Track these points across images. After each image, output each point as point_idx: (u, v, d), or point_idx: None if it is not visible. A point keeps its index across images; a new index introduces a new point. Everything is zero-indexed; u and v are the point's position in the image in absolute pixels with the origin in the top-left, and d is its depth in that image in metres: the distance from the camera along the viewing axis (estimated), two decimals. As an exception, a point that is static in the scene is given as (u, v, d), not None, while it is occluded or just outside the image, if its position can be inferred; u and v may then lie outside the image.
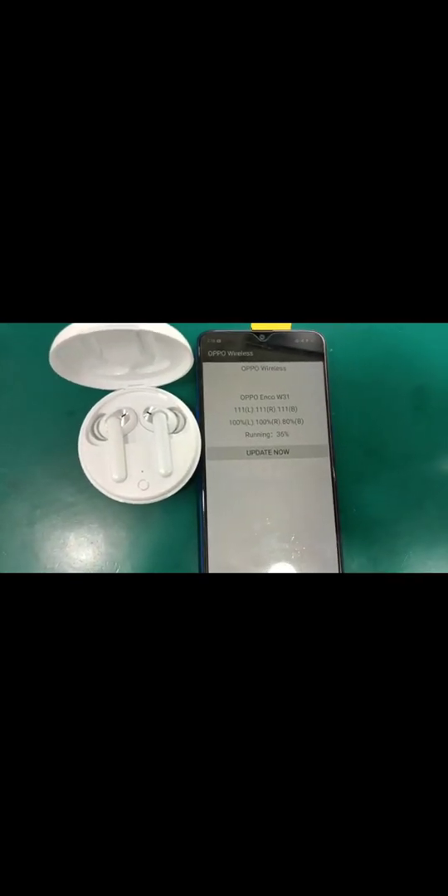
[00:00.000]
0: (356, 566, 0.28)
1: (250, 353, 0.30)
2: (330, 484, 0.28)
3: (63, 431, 0.28)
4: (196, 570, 0.27)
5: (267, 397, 0.29)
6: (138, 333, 0.25)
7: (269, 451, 0.28)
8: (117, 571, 0.27)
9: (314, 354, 0.30)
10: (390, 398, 0.31)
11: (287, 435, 0.28)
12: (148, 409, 0.27)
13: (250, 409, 0.29)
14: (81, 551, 0.27)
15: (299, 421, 0.29)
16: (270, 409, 0.29)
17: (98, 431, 0.27)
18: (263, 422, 0.29)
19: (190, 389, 0.29)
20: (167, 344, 0.25)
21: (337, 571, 0.27)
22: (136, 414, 0.27)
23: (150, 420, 0.27)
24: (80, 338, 0.23)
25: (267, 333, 0.30)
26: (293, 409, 0.29)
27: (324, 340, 0.30)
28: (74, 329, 0.23)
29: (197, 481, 0.27)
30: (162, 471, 0.26)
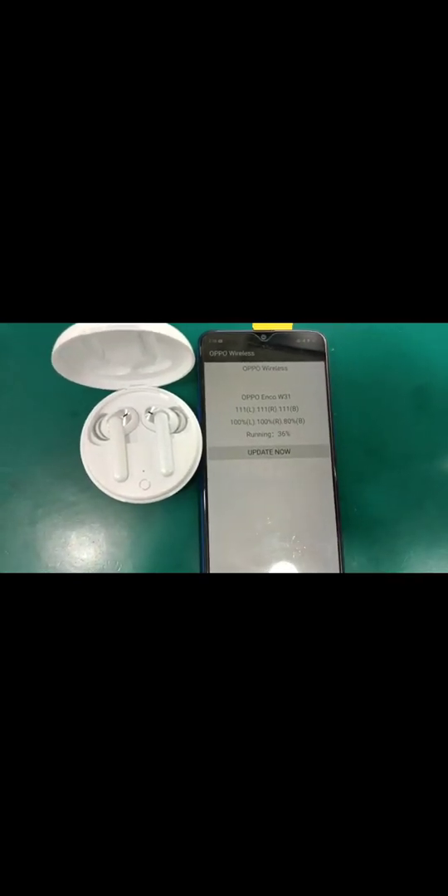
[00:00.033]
0: (357, 566, 0.28)
1: (251, 353, 0.30)
2: (331, 484, 0.28)
3: (65, 431, 0.28)
4: (197, 570, 0.27)
5: (268, 397, 0.29)
6: (140, 334, 0.25)
7: (270, 450, 0.28)
8: (119, 571, 0.27)
9: (315, 354, 0.30)
10: (391, 398, 0.31)
11: (288, 435, 0.29)
12: (149, 409, 0.27)
13: (251, 409, 0.29)
14: (83, 550, 0.27)
15: (300, 421, 0.29)
16: (272, 408, 0.29)
17: (100, 431, 0.27)
18: (265, 421, 0.29)
19: (191, 389, 0.29)
20: (169, 344, 0.25)
21: (337, 571, 0.27)
22: (137, 414, 0.27)
23: (152, 420, 0.27)
24: (83, 338, 0.24)
25: (268, 333, 0.30)
26: (294, 408, 0.29)
27: (325, 340, 0.30)
28: (77, 330, 0.23)
29: (198, 481, 0.28)
30: (163, 470, 0.26)
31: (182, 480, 0.26)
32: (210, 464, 0.28)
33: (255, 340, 0.30)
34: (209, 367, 0.29)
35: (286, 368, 0.30)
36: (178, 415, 0.27)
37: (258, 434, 0.28)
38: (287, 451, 0.28)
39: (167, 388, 0.28)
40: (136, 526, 0.28)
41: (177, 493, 0.27)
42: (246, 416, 0.29)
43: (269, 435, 0.28)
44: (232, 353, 0.30)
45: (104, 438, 0.27)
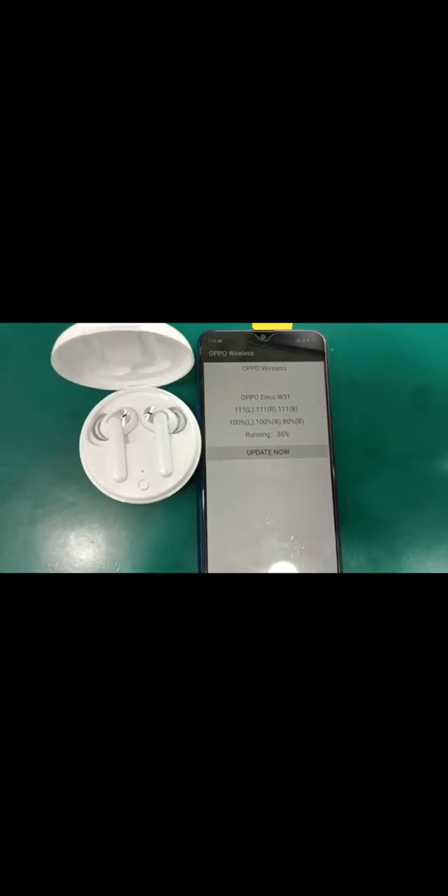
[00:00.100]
0: (355, 566, 0.28)
1: (251, 353, 0.30)
2: (329, 484, 0.28)
3: (64, 431, 0.28)
4: (196, 570, 0.27)
5: (267, 397, 0.29)
6: (139, 334, 0.25)
7: (269, 450, 0.28)
8: (118, 570, 0.27)
9: (315, 354, 0.30)
10: (390, 398, 0.31)
11: (287, 435, 0.29)
12: (149, 409, 0.27)
13: (251, 409, 0.29)
14: (82, 551, 0.27)
15: (299, 421, 0.29)
16: (271, 408, 0.29)
17: (99, 431, 0.27)
18: (264, 422, 0.29)
19: (191, 389, 0.29)
20: (168, 345, 0.26)
21: (336, 571, 0.27)
22: (136, 414, 0.27)
23: (151, 420, 0.27)
24: (82, 339, 0.24)
25: (268, 333, 0.30)
26: (293, 408, 0.29)
27: (324, 340, 0.30)
28: (76, 330, 0.23)
29: (197, 481, 0.28)
30: (162, 471, 0.26)
31: (181, 480, 0.26)
32: (209, 464, 0.28)
33: (254, 340, 0.30)
34: (209, 368, 0.29)
35: (285, 368, 0.30)
36: (177, 415, 0.27)
37: (257, 434, 0.28)
38: (286, 452, 0.28)
39: (166, 388, 0.28)
40: (135, 526, 0.28)
41: (176, 494, 0.27)
42: (245, 416, 0.29)
43: (268, 435, 0.28)
44: (231, 353, 0.30)
45: (103, 439, 0.27)
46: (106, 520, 0.28)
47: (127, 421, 0.27)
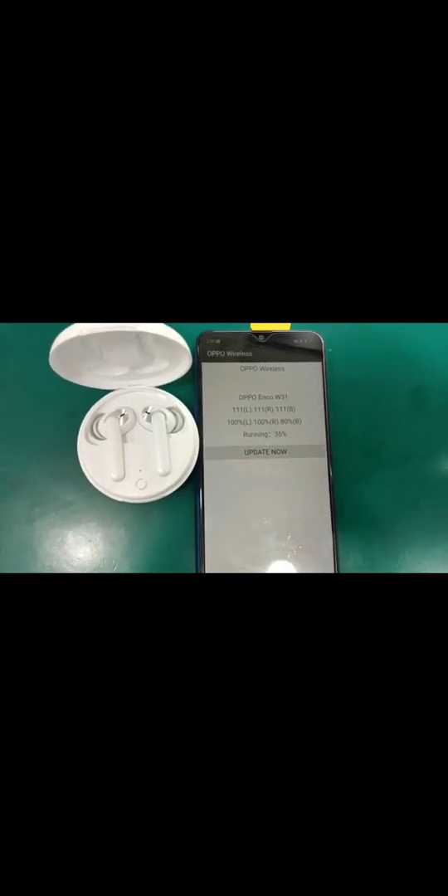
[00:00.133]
0: (352, 565, 0.28)
1: (249, 354, 0.30)
2: (327, 483, 0.28)
3: (62, 431, 0.28)
4: (194, 569, 0.27)
5: (265, 397, 0.29)
6: (138, 335, 0.25)
7: (266, 450, 0.28)
8: (115, 570, 0.27)
9: (313, 354, 0.30)
10: (389, 398, 0.31)
11: (285, 435, 0.29)
12: (147, 408, 0.27)
13: (249, 409, 0.29)
14: (80, 549, 0.27)
15: (297, 421, 0.29)
16: (269, 409, 0.29)
17: (97, 431, 0.27)
18: (261, 422, 0.29)
19: (189, 389, 0.29)
20: (166, 345, 0.26)
21: (332, 571, 0.27)
22: (134, 413, 0.27)
23: (149, 420, 0.27)
24: (80, 339, 0.24)
25: (266, 334, 0.30)
26: (291, 409, 0.29)
27: (322, 340, 0.30)
28: (74, 330, 0.23)
29: (195, 480, 0.28)
30: (160, 470, 0.26)
31: (179, 480, 0.26)
32: (207, 463, 0.28)
33: (252, 341, 0.30)
34: (207, 368, 0.29)
35: (283, 369, 0.30)
36: (175, 415, 0.27)
37: (255, 434, 0.28)
38: (283, 452, 0.28)
39: (165, 388, 0.28)
40: (132, 525, 0.28)
41: (173, 493, 0.27)
42: (243, 416, 0.29)
43: (265, 435, 0.28)
44: (229, 353, 0.30)
45: (101, 438, 0.27)
46: (104, 519, 0.28)
47: (125, 420, 0.27)
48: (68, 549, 0.27)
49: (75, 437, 0.27)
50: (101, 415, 0.27)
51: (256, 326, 0.30)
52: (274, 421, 0.29)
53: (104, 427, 0.27)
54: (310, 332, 0.30)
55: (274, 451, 0.28)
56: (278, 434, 0.29)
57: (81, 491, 0.28)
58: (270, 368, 0.30)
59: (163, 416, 0.27)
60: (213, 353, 0.30)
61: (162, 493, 0.26)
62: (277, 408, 0.29)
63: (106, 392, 0.28)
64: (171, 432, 0.27)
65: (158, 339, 0.25)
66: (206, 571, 0.26)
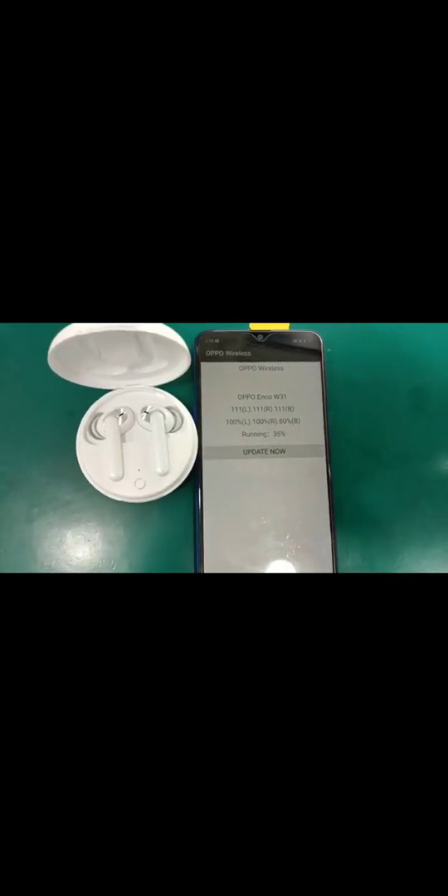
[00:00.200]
0: (351, 565, 0.28)
1: (248, 353, 0.30)
2: (326, 483, 0.28)
3: (61, 431, 0.28)
4: (192, 568, 0.27)
5: (264, 397, 0.29)
6: (136, 334, 0.25)
7: (265, 450, 0.28)
8: (114, 569, 0.27)
9: (312, 354, 0.30)
10: (388, 398, 0.31)
11: (284, 434, 0.29)
12: (145, 408, 0.27)
13: (247, 409, 0.29)
14: (79, 549, 0.27)
15: (296, 421, 0.29)
16: (267, 408, 0.29)
17: (96, 430, 0.27)
18: (260, 421, 0.29)
19: (188, 389, 0.29)
20: (165, 345, 0.26)
21: (331, 570, 0.27)
22: (133, 413, 0.27)
23: (148, 419, 0.27)
24: (79, 339, 0.24)
25: (265, 333, 0.30)
26: (290, 408, 0.29)
27: (321, 340, 0.30)
28: (73, 330, 0.23)
29: (193, 480, 0.28)
30: (159, 470, 0.26)
31: (177, 480, 0.26)
32: (205, 463, 0.28)
33: (251, 340, 0.30)
34: (206, 367, 0.29)
35: (282, 368, 0.30)
36: (173, 414, 0.27)
37: (254, 434, 0.28)
38: (282, 451, 0.28)
39: (163, 387, 0.28)
40: (131, 525, 0.28)
41: (172, 493, 0.27)
42: (241, 415, 0.29)
43: (264, 435, 0.28)
44: (228, 352, 0.30)
45: (100, 438, 0.27)
46: (102, 518, 0.28)
47: (124, 420, 0.27)
48: (67, 548, 0.27)
49: (74, 437, 0.27)
50: (100, 414, 0.27)
51: (255, 326, 0.30)
52: (273, 421, 0.29)
53: (103, 427, 0.27)
54: (309, 332, 0.30)
55: (273, 451, 0.28)
56: (277, 434, 0.29)
57: (80, 491, 0.28)
58: (269, 368, 0.30)
59: (161, 415, 0.27)
60: (211, 352, 0.30)
61: (161, 492, 0.26)
62: (276, 407, 0.29)
63: (105, 392, 0.28)
64: (170, 432, 0.27)
65: (157, 338, 0.25)
66: (205, 571, 0.26)
